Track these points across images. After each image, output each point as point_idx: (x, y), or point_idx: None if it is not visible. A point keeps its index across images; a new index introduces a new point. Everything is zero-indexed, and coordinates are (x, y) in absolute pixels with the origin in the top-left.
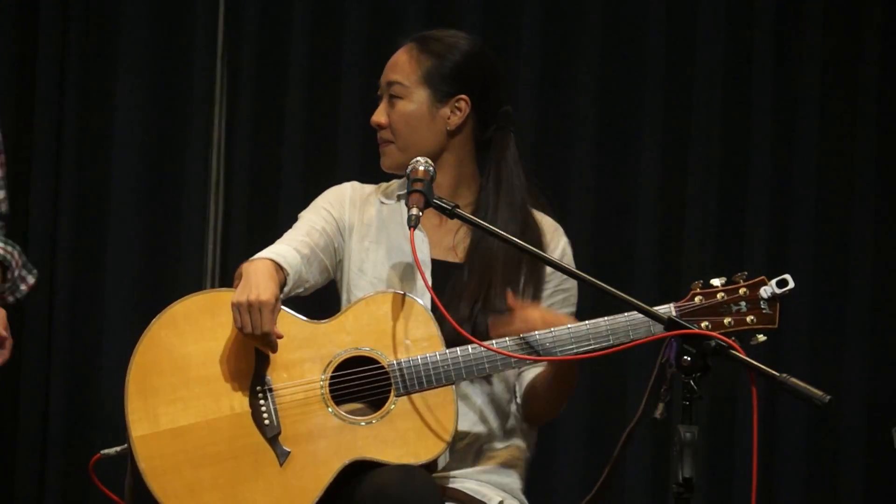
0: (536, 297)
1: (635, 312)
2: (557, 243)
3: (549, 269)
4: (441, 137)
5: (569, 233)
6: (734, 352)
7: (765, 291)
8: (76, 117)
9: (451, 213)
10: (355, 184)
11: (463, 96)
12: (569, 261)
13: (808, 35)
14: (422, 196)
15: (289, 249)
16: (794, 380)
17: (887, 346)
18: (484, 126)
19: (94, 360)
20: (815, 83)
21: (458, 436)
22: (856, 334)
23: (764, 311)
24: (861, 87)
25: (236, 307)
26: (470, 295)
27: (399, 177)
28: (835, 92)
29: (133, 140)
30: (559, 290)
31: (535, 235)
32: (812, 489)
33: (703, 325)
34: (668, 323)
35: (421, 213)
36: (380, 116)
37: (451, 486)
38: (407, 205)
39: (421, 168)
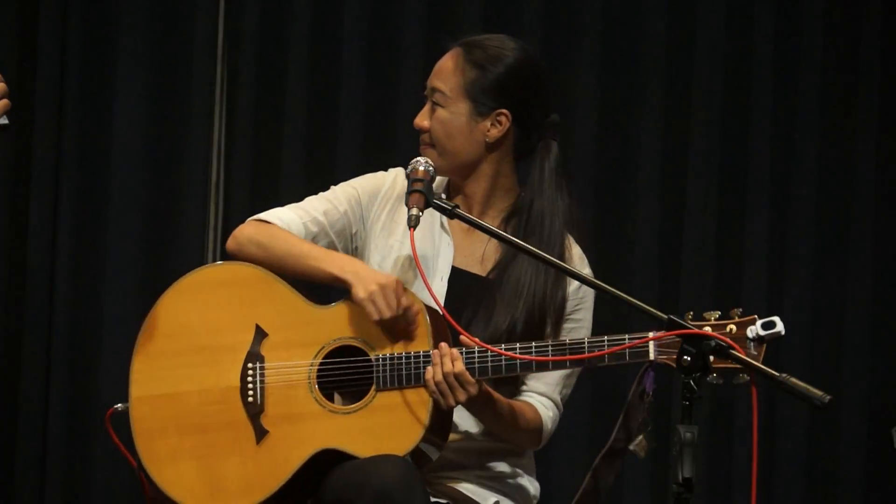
0: (558, 322)
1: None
2: (579, 271)
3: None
4: (479, 149)
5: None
6: (734, 352)
7: (750, 331)
8: (76, 118)
9: (450, 213)
10: (399, 175)
11: (504, 111)
12: (585, 292)
13: (808, 36)
14: (422, 196)
15: (297, 222)
16: (794, 380)
17: (887, 346)
18: (526, 137)
19: (93, 360)
20: (816, 84)
21: (455, 440)
22: (856, 334)
23: (748, 352)
24: (861, 88)
25: (370, 297)
26: (505, 309)
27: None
28: (835, 92)
29: (133, 141)
30: (569, 318)
31: (556, 256)
32: (812, 489)
33: (683, 359)
34: (669, 323)
35: (421, 213)
36: (422, 120)
37: (449, 484)
38: (407, 205)
39: (421, 168)
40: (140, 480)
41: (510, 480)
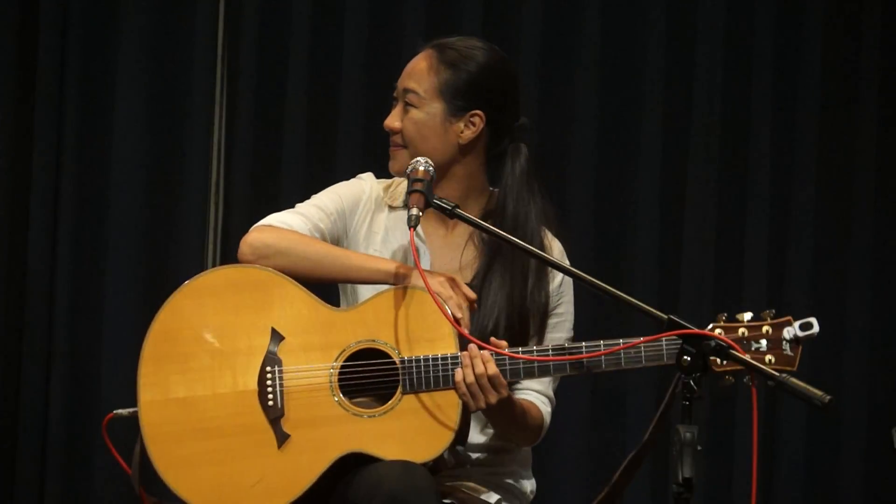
0: (542, 322)
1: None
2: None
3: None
4: (452, 150)
5: (569, 236)
6: (734, 352)
7: (787, 332)
8: (76, 118)
9: (450, 213)
10: (374, 183)
11: (478, 112)
12: (568, 285)
13: (808, 36)
14: (422, 196)
15: (304, 229)
16: (794, 380)
17: (887, 346)
18: (498, 140)
19: (94, 360)
20: (815, 84)
21: (468, 445)
22: (856, 334)
23: (784, 353)
24: (861, 88)
25: (441, 285)
26: (485, 317)
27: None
28: (835, 93)
29: (133, 140)
30: (553, 314)
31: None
32: (812, 489)
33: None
34: (668, 323)
35: (421, 213)
36: (393, 121)
37: (449, 483)
38: (407, 204)
39: (421, 168)
40: (139, 496)
41: (509, 479)
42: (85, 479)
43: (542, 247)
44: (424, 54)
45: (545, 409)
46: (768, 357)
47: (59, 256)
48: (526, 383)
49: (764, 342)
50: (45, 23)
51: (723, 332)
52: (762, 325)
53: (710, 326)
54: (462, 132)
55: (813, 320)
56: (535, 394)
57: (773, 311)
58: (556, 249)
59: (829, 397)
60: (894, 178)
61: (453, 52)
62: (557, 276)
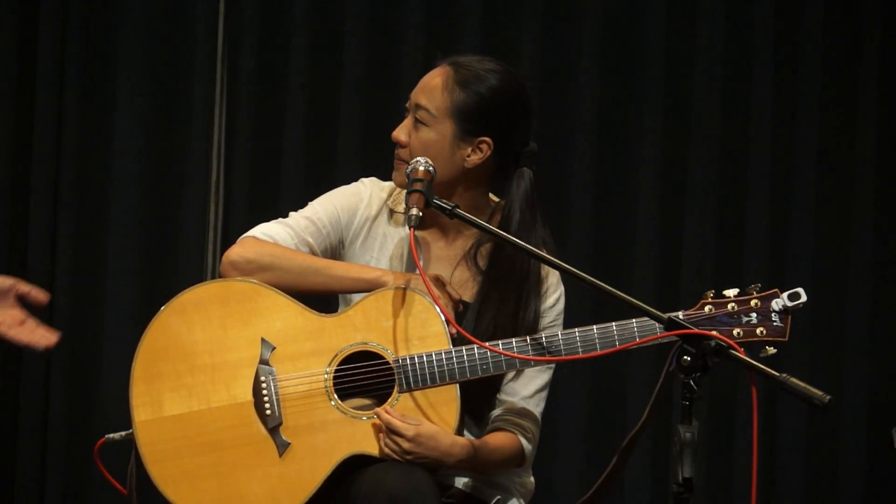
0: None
1: (645, 318)
2: (555, 290)
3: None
4: (457, 172)
5: (569, 237)
6: (734, 352)
7: (776, 304)
8: (76, 118)
9: (450, 213)
10: (374, 188)
11: (486, 139)
12: (559, 310)
13: (808, 37)
14: (422, 196)
15: (290, 244)
16: (794, 380)
17: (887, 346)
18: (504, 165)
19: (94, 360)
20: (816, 85)
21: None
22: (856, 335)
23: (774, 324)
24: (861, 88)
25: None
26: (484, 332)
27: None
28: (835, 93)
29: (133, 141)
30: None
31: (535, 280)
32: (812, 489)
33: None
34: (668, 323)
35: (421, 213)
36: (402, 134)
37: (448, 482)
38: (407, 204)
39: (421, 168)
40: None
41: (508, 476)
42: (85, 475)
43: (539, 275)
44: (440, 70)
45: (526, 443)
46: (759, 329)
47: (59, 256)
48: (509, 401)
49: (754, 315)
50: (45, 24)
51: (713, 308)
52: (750, 299)
53: (699, 304)
54: (469, 156)
55: (800, 290)
56: (516, 420)
57: (759, 285)
58: (550, 275)
59: (829, 397)
60: (895, 177)
61: (468, 71)
62: (552, 297)
